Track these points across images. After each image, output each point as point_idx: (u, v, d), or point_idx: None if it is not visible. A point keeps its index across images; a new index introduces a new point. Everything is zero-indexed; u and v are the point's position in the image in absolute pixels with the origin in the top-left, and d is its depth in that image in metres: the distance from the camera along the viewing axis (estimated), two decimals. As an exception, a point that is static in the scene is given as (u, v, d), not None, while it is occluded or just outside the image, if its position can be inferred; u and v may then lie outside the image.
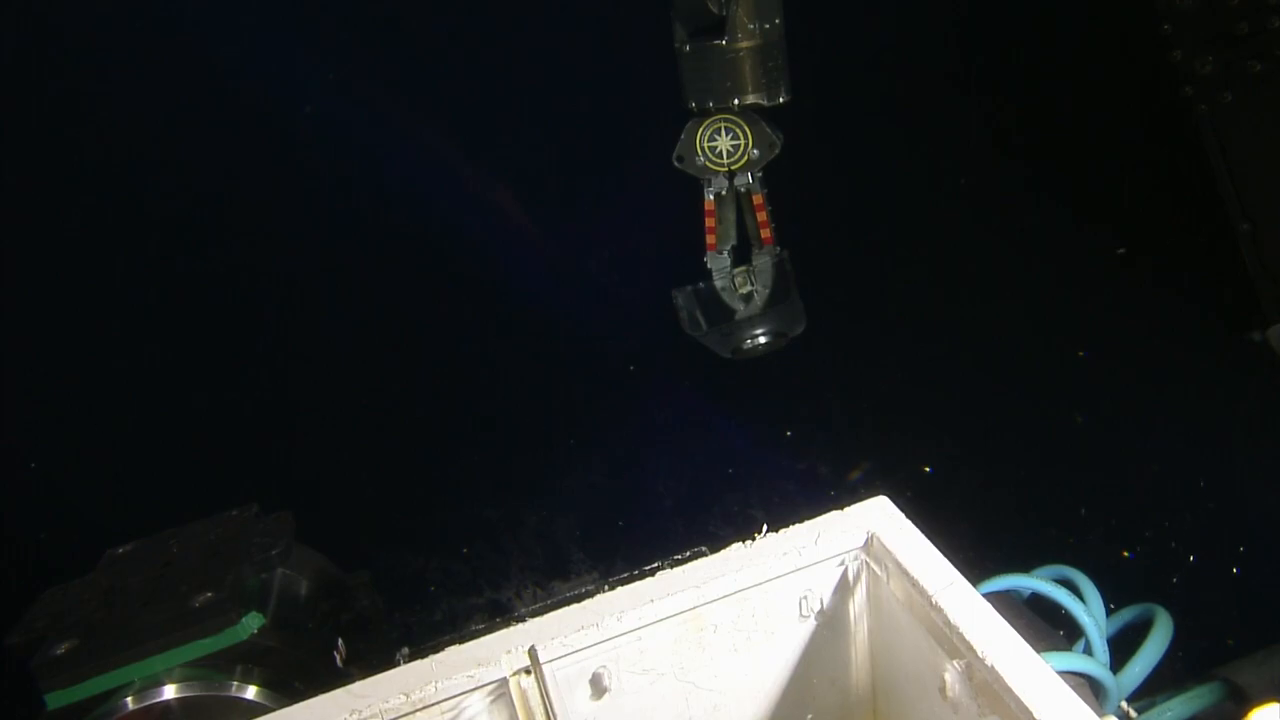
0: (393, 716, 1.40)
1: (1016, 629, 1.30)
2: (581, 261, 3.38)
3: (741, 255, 2.62)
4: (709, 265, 2.60)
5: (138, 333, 3.07)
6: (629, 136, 3.09)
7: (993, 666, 1.25)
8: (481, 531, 3.38)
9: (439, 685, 1.41)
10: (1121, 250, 3.07)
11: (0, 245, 2.88)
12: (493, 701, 1.45)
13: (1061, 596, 1.91)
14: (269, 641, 1.92)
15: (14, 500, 2.96)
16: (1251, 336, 2.61)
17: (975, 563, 1.97)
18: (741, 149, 2.42)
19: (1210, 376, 3.00)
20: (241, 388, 3.17)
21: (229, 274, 3.12)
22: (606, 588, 1.55)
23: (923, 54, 3.14)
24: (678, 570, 1.53)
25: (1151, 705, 1.98)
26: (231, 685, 1.89)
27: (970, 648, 1.29)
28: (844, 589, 1.57)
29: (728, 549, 1.55)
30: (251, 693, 1.90)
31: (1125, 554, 3.03)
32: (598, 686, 1.49)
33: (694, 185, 2.51)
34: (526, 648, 1.44)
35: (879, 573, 1.51)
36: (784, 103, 2.39)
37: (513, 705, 1.45)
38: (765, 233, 2.55)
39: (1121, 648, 1.93)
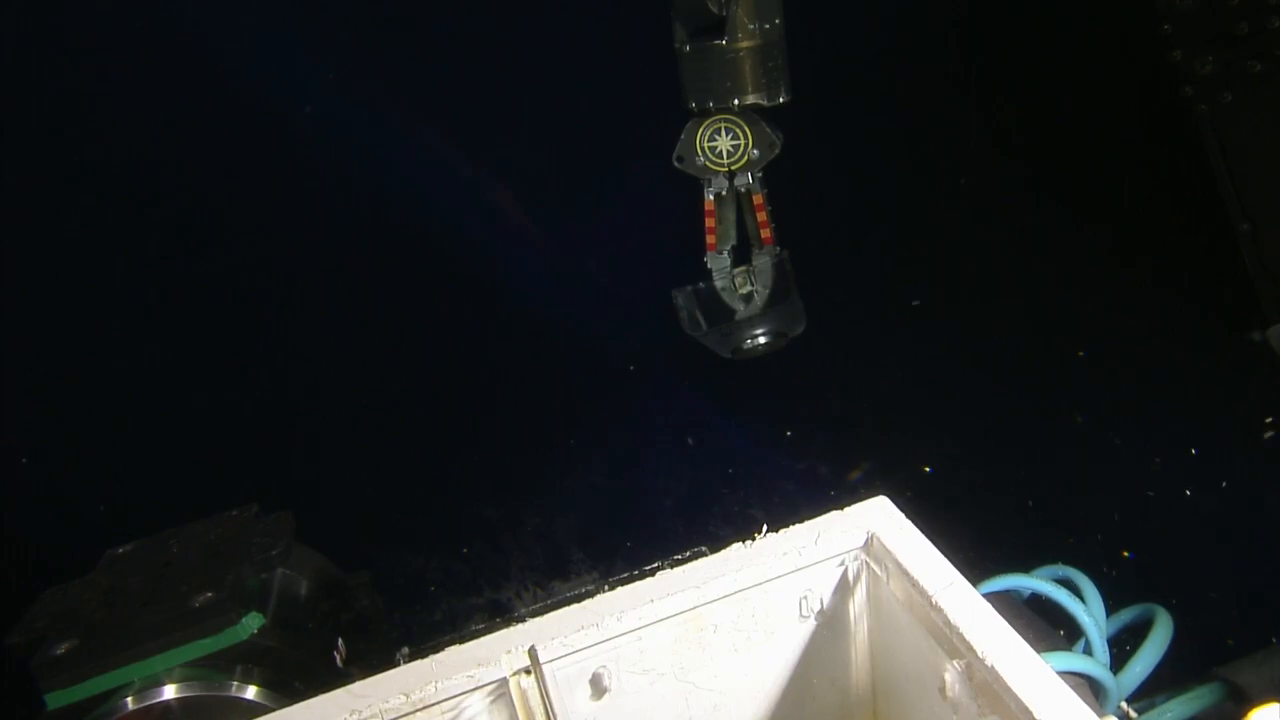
0: (393, 716, 1.40)
1: (1016, 629, 1.30)
2: (581, 261, 3.37)
3: (741, 255, 2.61)
4: (709, 265, 2.60)
5: (138, 333, 3.07)
6: (629, 136, 3.09)
7: (993, 666, 1.25)
8: (481, 531, 3.38)
9: (439, 685, 1.41)
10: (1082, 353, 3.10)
11: (0, 245, 2.88)
12: (493, 701, 1.45)
13: (1061, 596, 1.91)
14: (269, 641, 1.92)
15: (14, 500, 2.95)
16: (1251, 336, 2.61)
17: (975, 563, 1.97)
18: (741, 149, 2.42)
19: (1210, 376, 3.00)
20: (241, 388, 3.17)
21: (229, 274, 3.12)
22: (606, 588, 1.55)
23: (923, 54, 3.14)
24: (678, 570, 1.53)
25: (1151, 705, 1.98)
26: (231, 685, 1.89)
27: (970, 648, 1.29)
28: (844, 589, 1.57)
29: (728, 549, 1.55)
30: (251, 693, 1.90)
31: (1125, 554, 3.03)
32: (598, 686, 1.49)
33: (694, 185, 2.51)
34: (526, 648, 1.44)
35: (879, 573, 1.51)
36: (784, 103, 2.39)
37: (513, 705, 1.45)
38: (765, 233, 2.55)
39: (1121, 648, 1.93)
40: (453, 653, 1.46)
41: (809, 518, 1.57)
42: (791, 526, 1.57)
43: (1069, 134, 3.16)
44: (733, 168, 2.45)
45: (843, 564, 1.55)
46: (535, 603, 2.37)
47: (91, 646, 1.83)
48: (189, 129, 2.96)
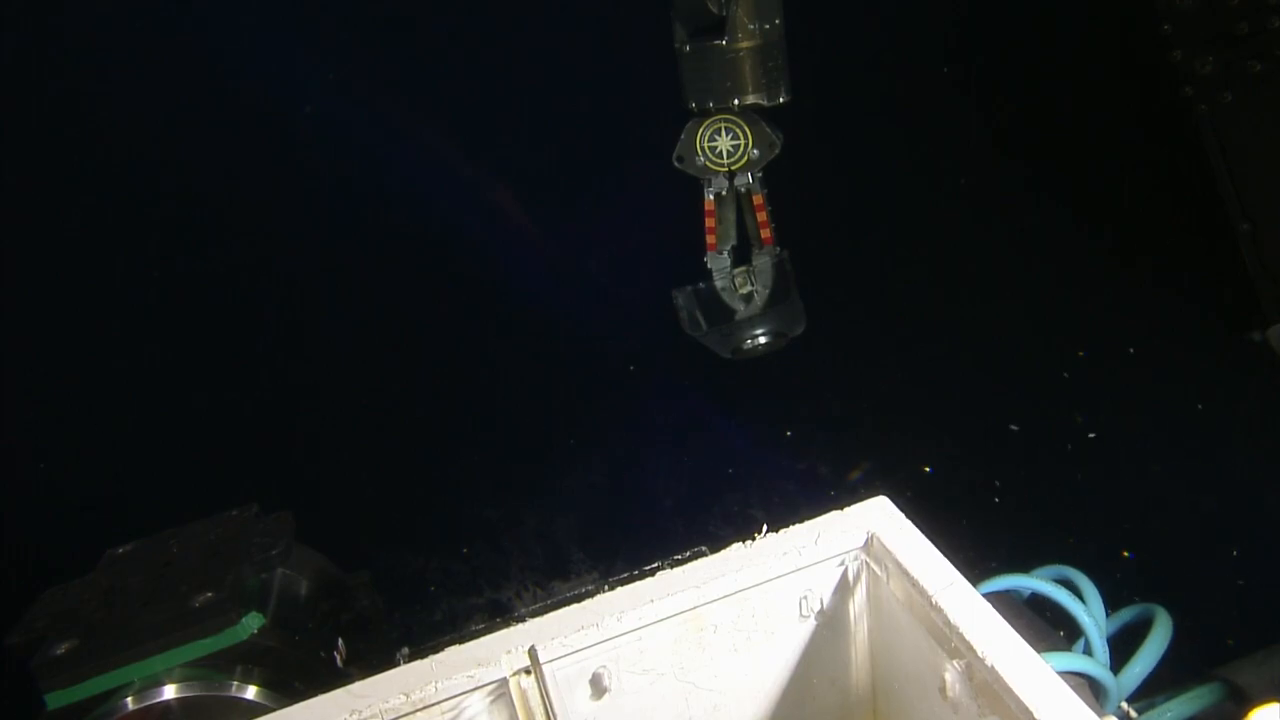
0: (393, 716, 1.40)
1: (1016, 629, 1.30)
2: (581, 261, 3.37)
3: (741, 255, 2.61)
4: (709, 265, 2.60)
5: (138, 333, 3.07)
6: (629, 136, 3.09)
7: (993, 666, 1.25)
8: (481, 531, 3.38)
9: (439, 685, 1.41)
10: (1082, 353, 3.10)
11: (0, 245, 2.88)
12: (493, 701, 1.45)
13: (1061, 596, 1.91)
14: (269, 641, 1.92)
15: (14, 500, 2.95)
16: (1251, 336, 2.61)
17: (975, 563, 1.97)
18: (741, 149, 2.42)
19: (1210, 376, 3.00)
20: (241, 388, 3.17)
21: (229, 274, 3.11)
22: (606, 588, 1.55)
23: (923, 54, 3.14)
24: (678, 570, 1.53)
25: (1151, 705, 1.98)
26: (231, 685, 1.89)
27: (970, 648, 1.29)
28: (844, 589, 1.57)
29: (728, 549, 1.55)
30: (251, 693, 1.90)
31: (1125, 554, 3.03)
32: (598, 686, 1.49)
33: (694, 185, 2.51)
34: (526, 648, 1.44)
35: (879, 573, 1.51)
36: (784, 103, 2.39)
37: (513, 705, 1.45)
38: (765, 233, 2.55)
39: (1121, 648, 1.93)
40: (453, 653, 1.45)
41: (809, 518, 1.57)
42: (791, 526, 1.57)
43: (1069, 134, 3.16)
44: (733, 168, 2.45)
45: (843, 564, 1.55)
46: (535, 603, 2.37)
47: (91, 646, 1.83)
48: (189, 129, 2.96)
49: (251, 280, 3.15)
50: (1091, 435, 3.23)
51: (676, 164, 2.47)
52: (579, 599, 1.51)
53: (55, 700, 1.81)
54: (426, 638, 2.10)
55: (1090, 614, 1.88)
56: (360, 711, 1.39)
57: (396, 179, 3.14)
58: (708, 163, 2.44)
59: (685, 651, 1.53)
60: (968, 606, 1.34)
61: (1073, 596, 1.91)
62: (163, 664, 1.85)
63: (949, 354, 3.32)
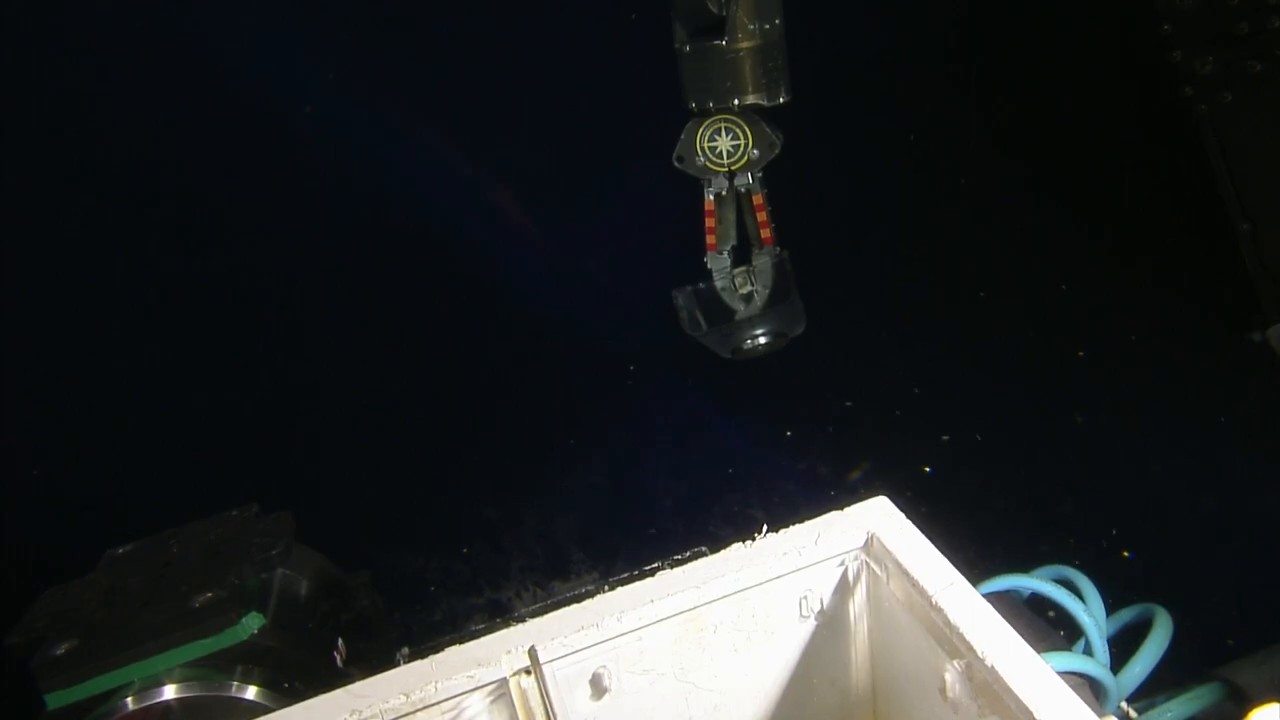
0: (393, 716, 1.40)
1: (1016, 629, 1.30)
2: (581, 261, 3.37)
3: (741, 255, 2.61)
4: (709, 265, 2.60)
5: (138, 333, 3.06)
6: (629, 136, 3.09)
7: (993, 666, 1.25)
8: (481, 531, 3.38)
9: (439, 685, 1.41)
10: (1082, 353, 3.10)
11: (0, 245, 2.88)
12: (493, 701, 1.45)
13: (1061, 596, 1.91)
14: (269, 641, 1.92)
15: (14, 500, 2.95)
16: (1251, 336, 2.61)
17: (975, 563, 1.97)
18: (741, 149, 2.42)
19: (1210, 376, 3.00)
20: (241, 388, 3.17)
21: (229, 274, 3.11)
22: (606, 588, 1.55)
23: (923, 54, 3.14)
24: (678, 570, 1.53)
25: (1151, 705, 1.98)
26: (231, 685, 1.89)
27: (970, 648, 1.29)
28: (844, 589, 1.57)
29: (728, 549, 1.55)
30: (251, 693, 1.90)
31: (1125, 554, 3.03)
32: (598, 686, 1.49)
33: (694, 185, 2.51)
34: (526, 648, 1.44)
35: (879, 573, 1.51)
36: (784, 103, 2.39)
37: (513, 705, 1.45)
38: (765, 233, 2.55)
39: (1121, 648, 1.93)
40: (453, 653, 1.45)
41: (809, 518, 1.57)
42: (791, 526, 1.57)
43: (1069, 134, 3.16)
44: (733, 168, 2.45)
45: (843, 564, 1.55)
46: (535, 603, 2.37)
47: (91, 646, 1.83)
48: (189, 129, 2.96)
49: (251, 280, 3.15)
50: (1091, 435, 3.23)
51: (676, 164, 2.47)
52: (579, 599, 1.51)
53: (55, 700, 1.81)
54: (426, 638, 2.09)
55: (1090, 614, 1.88)
56: (360, 711, 1.39)
57: (396, 179, 3.14)
58: (708, 163, 2.44)
59: (685, 651, 1.53)
60: (968, 606, 1.34)
61: (1073, 596, 1.91)
62: (163, 664, 1.85)
63: (949, 354, 3.32)
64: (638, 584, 1.51)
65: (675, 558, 1.99)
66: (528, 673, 1.44)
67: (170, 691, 1.86)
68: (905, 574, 1.43)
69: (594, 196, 3.29)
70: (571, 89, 3.13)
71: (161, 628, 1.85)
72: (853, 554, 1.55)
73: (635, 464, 3.52)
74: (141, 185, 2.97)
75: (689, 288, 2.64)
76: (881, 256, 3.36)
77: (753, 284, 2.61)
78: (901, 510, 1.56)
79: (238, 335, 3.15)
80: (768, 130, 2.40)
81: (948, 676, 1.35)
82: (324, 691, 1.45)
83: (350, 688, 1.44)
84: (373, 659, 2.12)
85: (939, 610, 1.35)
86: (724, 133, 2.40)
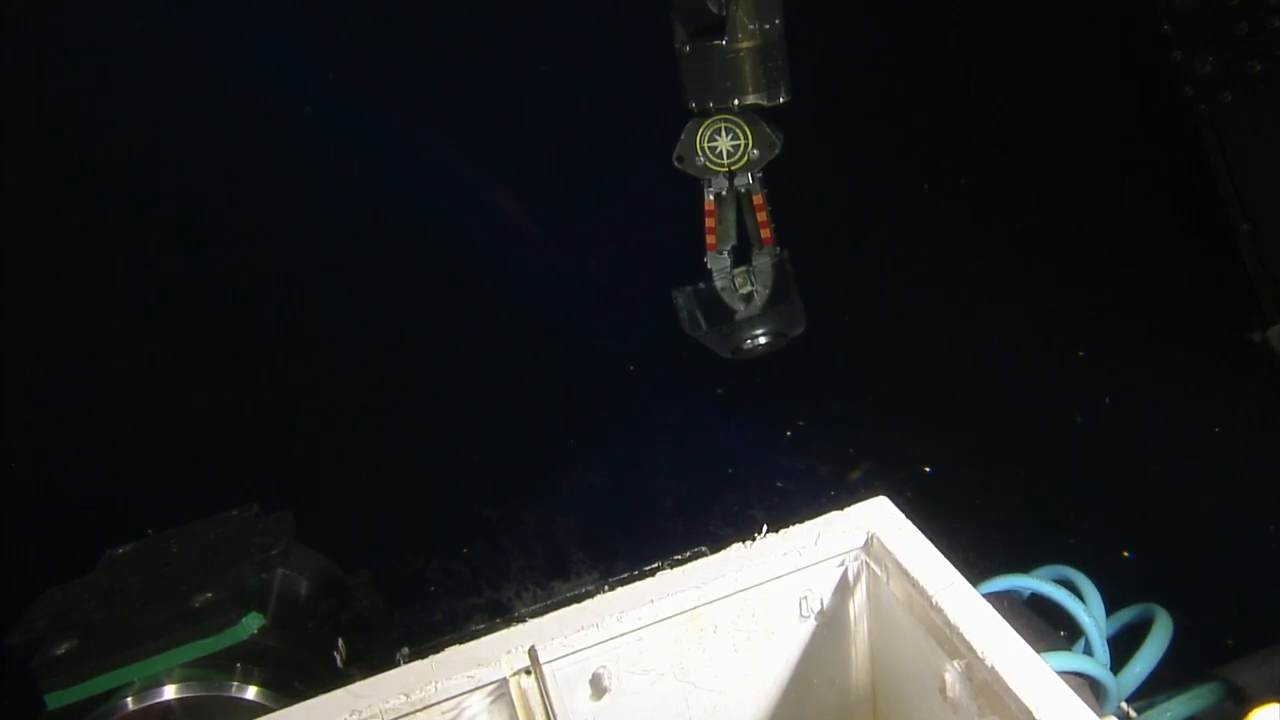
0: (393, 716, 1.40)
1: (1016, 629, 1.30)
2: (581, 261, 3.37)
3: (741, 255, 2.61)
4: (709, 265, 2.60)
5: (138, 333, 3.06)
6: (629, 136, 3.09)
7: (993, 666, 1.25)
8: (481, 531, 3.38)
9: (439, 685, 1.41)
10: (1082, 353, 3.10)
11: (0, 245, 2.88)
12: (493, 702, 1.45)
13: (1061, 596, 1.91)
14: (269, 641, 1.92)
15: (14, 500, 2.95)
16: (1251, 336, 2.61)
17: (975, 563, 1.97)
18: (741, 149, 2.42)
19: (1210, 376, 3.00)
20: (241, 388, 3.17)
21: (229, 274, 3.11)
22: (606, 588, 1.55)
23: (923, 54, 3.14)
24: (678, 570, 1.53)
25: (1151, 705, 1.98)
26: (231, 685, 1.89)
27: (970, 648, 1.29)
28: (844, 589, 1.57)
29: (728, 549, 1.55)
30: (251, 693, 1.90)
31: (1125, 554, 3.03)
32: (598, 686, 1.49)
33: (694, 185, 2.51)
34: (526, 648, 1.44)
35: (879, 573, 1.51)
36: (784, 103, 2.39)
37: (513, 705, 1.45)
38: (765, 233, 2.55)
39: (1121, 648, 1.93)
40: (453, 653, 1.45)
41: (809, 518, 1.57)
42: (791, 526, 1.57)
43: (1069, 134, 3.16)
44: (733, 168, 2.45)
45: (843, 564, 1.55)
46: (535, 603, 2.37)
47: (91, 646, 1.83)
48: (189, 129, 2.96)
49: (251, 280, 3.15)
50: (1091, 435, 3.23)
51: (676, 164, 2.47)
52: (579, 599, 1.51)
53: (55, 700, 1.81)
54: (426, 638, 2.09)
55: (1090, 614, 1.88)
56: (360, 711, 1.39)
57: (396, 179, 3.14)
58: (708, 163, 2.44)
59: (685, 652, 1.53)
60: (968, 606, 1.34)
61: (1073, 596, 1.91)
62: (163, 664, 1.85)
63: (949, 354, 3.31)
64: (638, 584, 1.51)
65: (675, 558, 1.99)
66: (528, 673, 1.44)
67: (170, 691, 1.86)
68: (905, 574, 1.43)
69: (594, 196, 3.29)
70: (571, 89, 3.13)
71: (161, 628, 1.85)
72: (853, 554, 1.55)
73: (635, 464, 3.52)
74: (141, 185, 2.97)
75: (689, 288, 2.64)
76: (881, 256, 3.36)
77: (753, 284, 2.61)
78: (901, 510, 1.56)
79: (238, 335, 3.15)
80: (768, 130, 2.40)
81: (948, 676, 1.35)
82: (324, 691, 1.45)
83: (350, 688, 1.44)
84: (373, 659, 2.12)
85: (939, 610, 1.35)
86: (724, 133, 2.40)
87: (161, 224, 3.04)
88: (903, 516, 1.54)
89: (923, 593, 1.39)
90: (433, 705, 1.42)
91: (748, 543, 1.55)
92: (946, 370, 3.32)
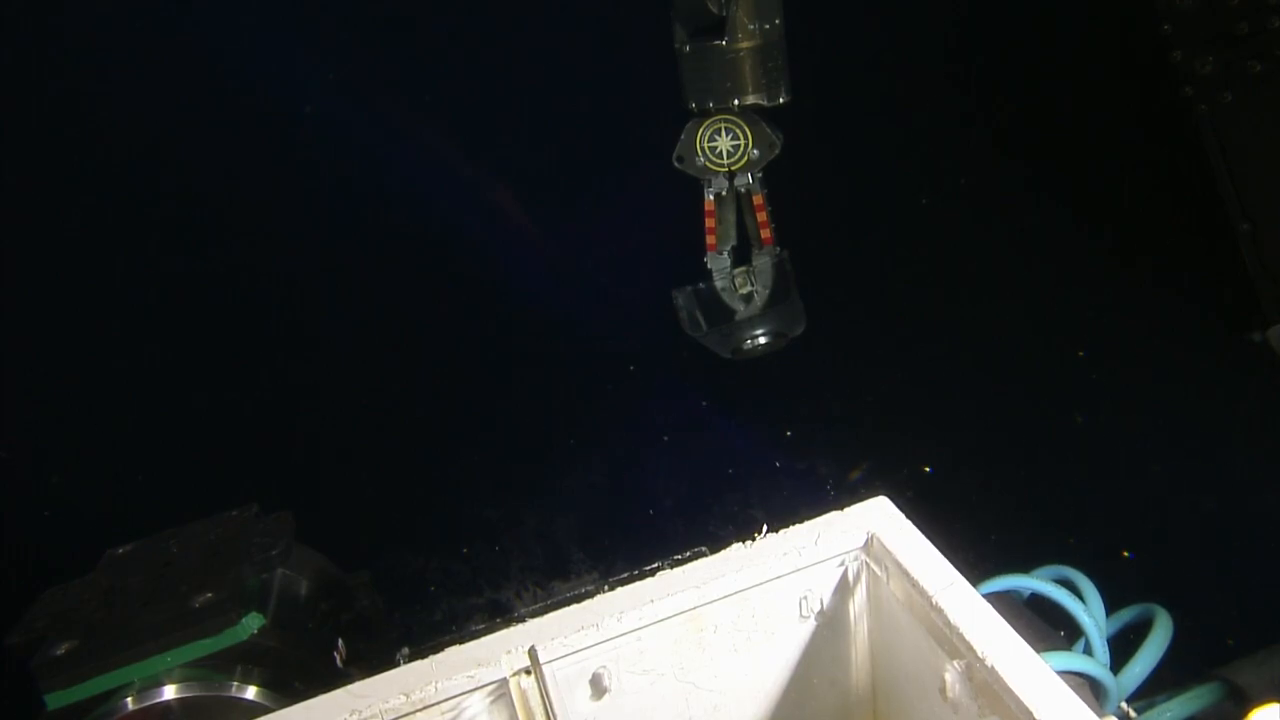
0: (393, 716, 1.40)
1: (1016, 629, 1.30)
2: (581, 261, 3.37)
3: (741, 255, 2.61)
4: (709, 265, 2.60)
5: (138, 333, 3.06)
6: (629, 136, 3.09)
7: (993, 667, 1.25)
8: (481, 531, 3.38)
9: (439, 685, 1.41)
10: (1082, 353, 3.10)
11: (0, 245, 2.88)
12: (493, 702, 1.45)
13: (1061, 596, 1.91)
14: (269, 641, 1.92)
15: (14, 500, 2.95)
16: (1251, 336, 2.61)
17: (975, 563, 1.97)
18: (741, 149, 2.42)
19: (1210, 376, 3.00)
20: (241, 388, 3.17)
21: (229, 274, 3.11)
22: (606, 588, 1.55)
23: (923, 54, 3.14)
24: (678, 570, 1.53)
25: (1151, 705, 1.98)
26: (231, 685, 1.89)
27: (970, 648, 1.29)
28: (844, 589, 1.57)
29: (728, 549, 1.55)
30: (251, 693, 1.90)
31: (1125, 554, 3.03)
32: (598, 687, 1.49)
33: (694, 185, 2.51)
34: (526, 648, 1.44)
35: (879, 573, 1.51)
36: (784, 103, 2.39)
37: (513, 705, 1.45)
38: (765, 233, 2.55)
39: (1121, 648, 1.93)
40: (453, 653, 1.46)
41: (809, 518, 1.57)
42: (791, 526, 1.57)
43: (1069, 134, 3.16)
44: (733, 168, 2.45)
45: (843, 564, 1.55)
46: (535, 603, 2.37)
47: (91, 646, 1.83)
48: (189, 129, 2.96)
49: (251, 280, 3.15)
50: (1091, 435, 3.23)
51: (676, 164, 2.47)
52: (579, 599, 1.51)
53: (55, 700, 1.81)
54: (426, 638, 2.10)
55: (1090, 614, 1.88)
56: (360, 711, 1.39)
57: (396, 179, 3.14)
58: (708, 163, 2.44)
59: (685, 652, 1.53)
60: (968, 606, 1.34)
61: (1073, 596, 1.91)
62: (163, 664, 1.85)
63: (949, 354, 3.31)
64: (638, 584, 1.52)
65: (675, 558, 1.99)
66: (528, 673, 1.44)
67: (170, 691, 1.86)
68: (905, 574, 1.43)
69: (594, 196, 3.29)
70: (571, 89, 3.13)
71: (161, 628, 1.85)
72: (853, 554, 1.55)
73: (635, 464, 3.52)
74: (141, 185, 2.97)
75: (689, 288, 2.64)
76: (881, 256, 3.36)
77: (753, 284, 2.61)
78: (901, 510, 1.56)
79: (238, 335, 3.15)
80: (768, 130, 2.40)
81: (948, 676, 1.35)
82: (324, 691, 1.45)
83: (350, 688, 1.44)
84: (373, 659, 2.12)
85: (939, 610, 1.35)
86: (724, 133, 2.40)
87: (161, 224, 3.04)
88: (903, 516, 1.54)
89: (923, 593, 1.39)
90: (433, 705, 1.42)
91: (748, 543, 1.55)
92: (946, 370, 3.32)
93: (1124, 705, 1.86)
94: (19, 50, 2.81)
